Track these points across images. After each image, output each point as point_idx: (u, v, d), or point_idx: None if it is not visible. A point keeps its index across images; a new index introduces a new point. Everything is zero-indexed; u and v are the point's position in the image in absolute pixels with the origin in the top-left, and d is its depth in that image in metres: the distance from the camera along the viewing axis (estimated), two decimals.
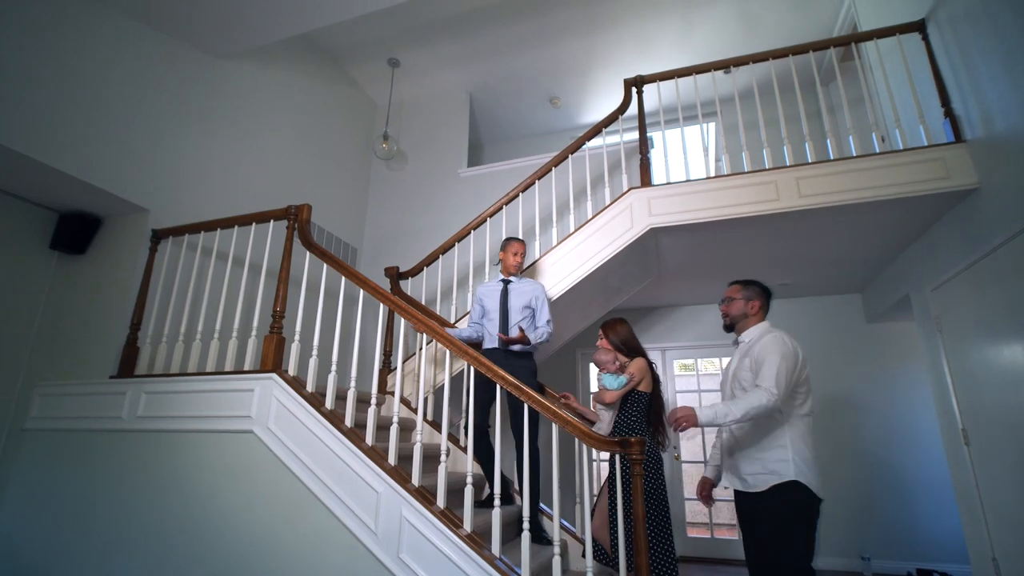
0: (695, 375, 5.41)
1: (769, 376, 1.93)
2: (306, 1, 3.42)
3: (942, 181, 2.91)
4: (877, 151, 3.12)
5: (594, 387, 5.26)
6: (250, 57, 4.06)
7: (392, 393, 3.31)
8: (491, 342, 2.97)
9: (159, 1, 3.23)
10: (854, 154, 3.13)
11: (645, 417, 2.56)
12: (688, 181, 3.29)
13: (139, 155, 3.22)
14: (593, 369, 5.31)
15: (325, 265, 2.74)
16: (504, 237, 3.32)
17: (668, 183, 3.34)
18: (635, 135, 3.69)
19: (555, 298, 3.31)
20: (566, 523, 2.87)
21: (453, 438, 3.16)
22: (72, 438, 2.90)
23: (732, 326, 2.30)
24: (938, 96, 3.12)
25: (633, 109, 3.67)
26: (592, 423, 2.71)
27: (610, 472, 2.39)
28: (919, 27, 3.26)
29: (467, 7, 4.41)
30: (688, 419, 1.90)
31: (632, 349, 2.69)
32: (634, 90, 3.70)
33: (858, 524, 4.30)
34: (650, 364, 2.65)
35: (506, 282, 3.12)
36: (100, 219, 3.36)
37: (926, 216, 3.18)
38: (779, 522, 1.89)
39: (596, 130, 3.64)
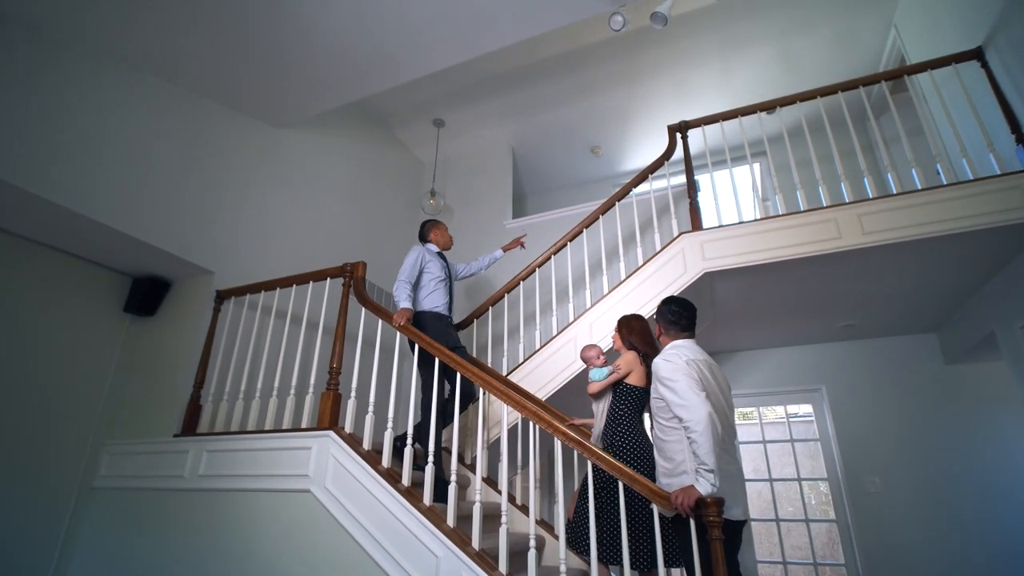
0: (758, 424, 5.11)
1: (687, 406, 1.94)
2: (358, 71, 3.64)
3: (1022, 210, 2.73)
4: (944, 182, 2.98)
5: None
6: (306, 125, 4.32)
7: (447, 449, 3.24)
8: (443, 309, 3.24)
9: (226, 81, 3.51)
10: (919, 187, 2.99)
11: (637, 411, 2.53)
12: (742, 223, 3.21)
13: (207, 221, 3.42)
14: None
15: (380, 320, 2.77)
16: (427, 221, 3.61)
17: (721, 226, 3.27)
18: (681, 179, 3.66)
19: (608, 348, 3.22)
20: None
21: (511, 497, 3.04)
22: (137, 496, 2.96)
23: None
24: (1006, 122, 2.97)
25: (679, 153, 3.66)
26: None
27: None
28: (977, 55, 3.16)
29: (508, 67, 4.59)
30: (689, 497, 1.81)
31: (634, 346, 2.66)
32: (679, 135, 3.69)
33: None
34: (644, 358, 2.58)
35: (442, 256, 3.45)
36: (169, 282, 3.55)
37: (1007, 248, 2.96)
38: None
39: (642, 176, 3.64)
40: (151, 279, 3.48)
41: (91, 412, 3.27)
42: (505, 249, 3.80)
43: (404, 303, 3.00)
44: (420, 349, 2.79)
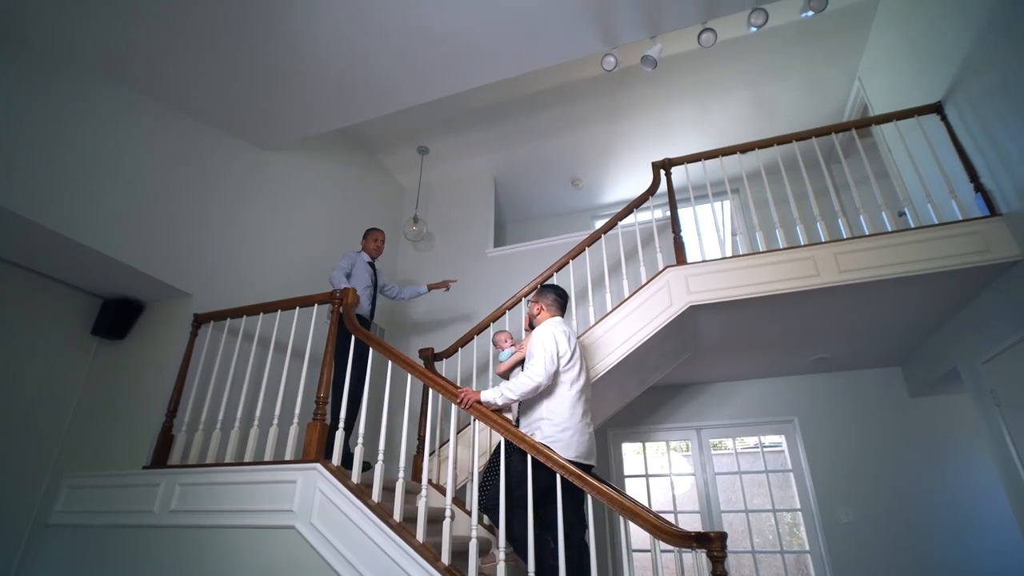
0: (733, 454, 5.19)
1: (534, 364, 2.41)
2: (349, 98, 3.65)
3: (982, 254, 2.91)
4: (911, 225, 3.16)
5: (627, 469, 5.05)
6: (291, 148, 4.27)
7: (435, 485, 3.16)
8: (366, 314, 3.56)
9: (216, 101, 3.45)
10: (889, 229, 3.16)
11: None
12: (725, 258, 3.32)
13: (185, 242, 3.31)
14: (627, 448, 5.12)
15: (371, 349, 2.72)
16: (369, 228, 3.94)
17: (704, 260, 3.37)
18: (659, 212, 3.77)
19: (596, 378, 3.24)
20: None
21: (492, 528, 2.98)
22: (100, 534, 2.77)
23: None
24: (965, 172, 3.19)
25: (661, 188, 3.78)
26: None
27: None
28: (937, 109, 3.40)
29: (494, 99, 4.68)
30: (470, 395, 2.36)
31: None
32: (662, 172, 3.82)
33: None
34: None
35: (372, 264, 3.77)
36: (143, 304, 3.40)
37: (970, 288, 3.15)
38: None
39: (628, 210, 3.73)
40: (122, 301, 3.33)
41: (50, 441, 3.07)
42: (430, 287, 4.07)
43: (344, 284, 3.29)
44: (358, 343, 2.86)
